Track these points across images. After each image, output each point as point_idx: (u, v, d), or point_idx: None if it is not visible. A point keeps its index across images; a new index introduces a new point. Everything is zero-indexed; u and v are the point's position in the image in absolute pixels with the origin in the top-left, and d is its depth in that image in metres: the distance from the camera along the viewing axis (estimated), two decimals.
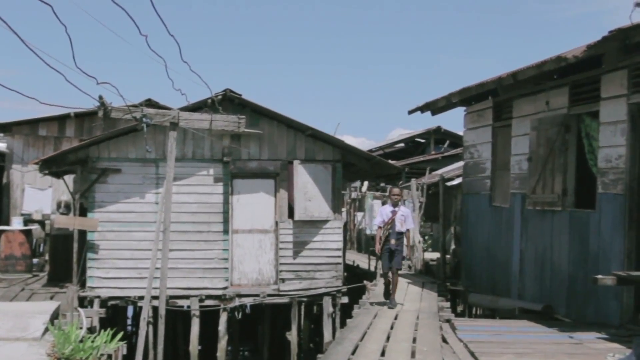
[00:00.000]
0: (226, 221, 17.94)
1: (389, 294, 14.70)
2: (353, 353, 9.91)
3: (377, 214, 15.60)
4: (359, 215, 32.77)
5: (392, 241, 14.32)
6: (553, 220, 13.65)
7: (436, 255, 23.26)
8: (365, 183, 32.63)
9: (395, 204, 14.52)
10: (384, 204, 24.58)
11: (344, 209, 27.10)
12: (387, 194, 17.62)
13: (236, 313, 18.89)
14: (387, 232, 14.35)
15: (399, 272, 14.98)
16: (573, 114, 13.13)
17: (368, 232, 29.67)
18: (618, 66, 11.61)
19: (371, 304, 14.79)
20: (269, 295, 17.99)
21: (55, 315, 12.95)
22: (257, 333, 20.95)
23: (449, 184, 22.46)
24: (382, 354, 9.85)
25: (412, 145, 40.09)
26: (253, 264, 18.18)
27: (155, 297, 13.85)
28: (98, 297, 17.24)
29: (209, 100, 16.27)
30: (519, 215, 14.95)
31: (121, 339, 10.59)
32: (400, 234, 14.48)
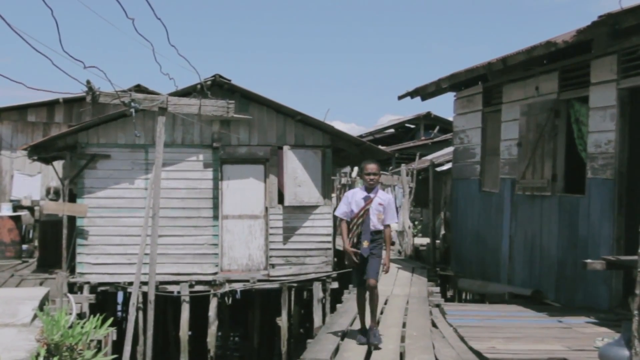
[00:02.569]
0: (216, 207, 17.91)
1: (365, 326, 9.72)
2: (343, 339, 9.92)
3: (342, 199, 9.86)
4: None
5: (365, 243, 9.28)
6: (542, 206, 13.67)
7: (426, 240, 23.30)
8: (355, 169, 32.58)
9: (370, 188, 9.45)
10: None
11: (334, 195, 27.11)
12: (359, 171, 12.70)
13: (226, 298, 18.84)
14: (357, 230, 9.35)
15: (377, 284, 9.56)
16: (563, 99, 13.13)
17: None
18: (607, 51, 11.62)
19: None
20: (259, 280, 17.98)
21: (44, 301, 12.91)
22: (247, 318, 20.94)
23: (438, 169, 22.49)
24: None
25: (402, 131, 40.09)
26: (243, 250, 18.17)
27: (144, 283, 13.85)
28: (87, 283, 17.21)
29: (198, 86, 16.20)
30: (509, 201, 14.97)
31: (111, 325, 10.56)
32: (378, 232, 9.45)
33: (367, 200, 9.37)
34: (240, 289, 19.07)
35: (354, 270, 9.62)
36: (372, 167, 9.48)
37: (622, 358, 6.66)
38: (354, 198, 9.49)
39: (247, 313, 20.79)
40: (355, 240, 9.43)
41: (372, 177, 9.46)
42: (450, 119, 22.10)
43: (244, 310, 21.89)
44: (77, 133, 17.68)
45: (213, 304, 17.80)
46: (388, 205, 9.55)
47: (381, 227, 9.49)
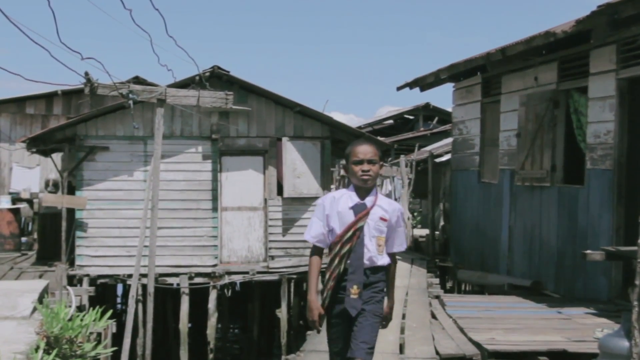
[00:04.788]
0: (215, 199, 17.89)
1: None
2: None
3: (315, 213, 5.89)
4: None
5: (354, 290, 5.55)
6: (542, 196, 13.66)
7: (425, 231, 23.32)
8: None
9: (363, 190, 5.70)
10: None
11: (333, 186, 27.09)
12: (344, 163, 6.40)
13: (226, 290, 18.83)
14: (340, 266, 5.60)
15: None
16: (562, 89, 13.12)
17: None
18: (607, 41, 11.60)
19: None
20: (259, 272, 17.97)
21: (44, 294, 12.90)
22: (246, 310, 20.93)
23: (437, 160, 22.48)
24: None
25: (400, 122, 40.03)
26: (242, 242, 18.16)
27: (144, 275, 13.85)
28: (87, 275, 17.19)
29: (197, 77, 16.18)
30: (508, 191, 14.97)
31: (110, 317, 10.53)
32: (377, 270, 5.68)
33: (360, 213, 5.54)
34: (240, 281, 19.07)
35: (330, 332, 5.76)
36: (365, 149, 5.59)
37: (621, 349, 6.66)
38: (336, 208, 5.63)
39: (247, 305, 20.79)
40: (332, 284, 5.57)
41: (366, 168, 5.57)
42: (449, 109, 22.11)
43: (244, 302, 21.89)
44: (76, 125, 17.64)
45: (212, 296, 17.79)
46: (397, 221, 5.72)
47: (383, 261, 5.61)
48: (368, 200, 5.64)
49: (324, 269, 5.68)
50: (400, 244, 5.83)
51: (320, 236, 5.69)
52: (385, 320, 5.79)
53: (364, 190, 5.67)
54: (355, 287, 5.51)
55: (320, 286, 5.71)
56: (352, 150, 5.69)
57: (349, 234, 5.55)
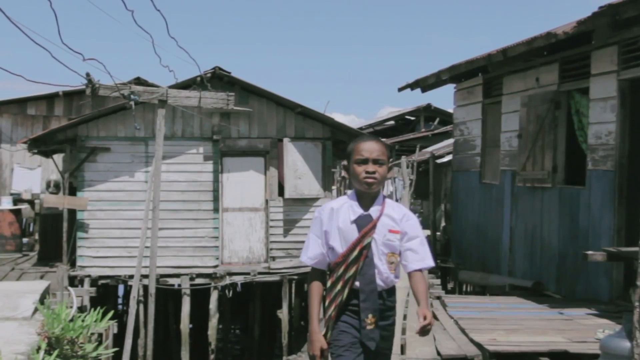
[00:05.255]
0: (216, 199, 17.89)
1: None
2: None
3: (311, 228, 4.93)
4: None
5: (369, 320, 4.65)
6: (543, 197, 13.66)
7: (426, 232, 23.29)
8: None
9: (367, 196, 4.79)
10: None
11: (334, 187, 27.09)
12: (344, 164, 5.14)
13: (227, 291, 18.86)
14: (344, 291, 4.69)
15: None
16: (563, 90, 13.11)
17: None
18: (608, 42, 11.59)
19: None
20: (260, 273, 17.97)
21: (45, 295, 12.90)
22: (248, 311, 20.93)
23: (439, 161, 22.47)
24: None
25: (402, 123, 40.02)
26: (243, 242, 18.16)
27: (145, 276, 13.85)
28: (88, 276, 17.20)
29: (198, 78, 16.19)
30: (509, 192, 14.96)
31: (112, 318, 10.55)
32: (393, 292, 4.85)
33: (365, 227, 4.67)
34: (241, 282, 19.05)
35: None
36: (370, 147, 4.73)
37: (623, 349, 6.66)
38: (335, 222, 4.75)
39: (248, 306, 20.78)
40: (333, 313, 4.72)
41: (371, 169, 4.67)
42: (451, 110, 22.09)
43: (245, 303, 21.87)
44: (77, 126, 17.65)
45: (214, 296, 17.79)
46: (410, 230, 4.78)
47: (397, 281, 4.80)
48: (373, 210, 4.71)
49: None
50: (421, 259, 4.75)
51: (319, 256, 4.81)
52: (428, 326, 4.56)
53: (368, 198, 4.73)
54: (370, 316, 4.64)
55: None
56: (355, 148, 4.76)
57: (355, 253, 4.63)
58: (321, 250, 4.78)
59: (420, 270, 4.76)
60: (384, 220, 4.71)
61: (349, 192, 5.28)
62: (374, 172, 4.66)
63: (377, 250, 4.68)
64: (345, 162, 4.95)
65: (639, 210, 10.79)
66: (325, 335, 4.74)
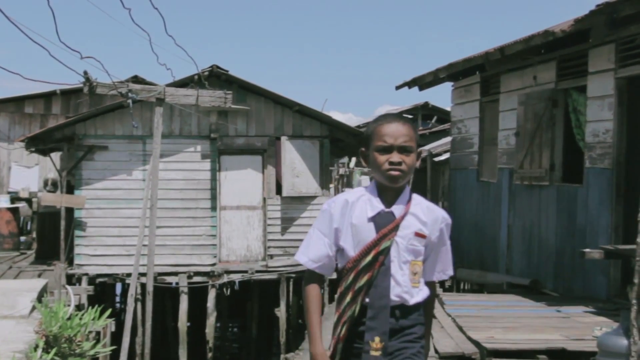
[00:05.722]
0: (214, 198, 17.89)
1: None
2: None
3: (315, 224, 3.89)
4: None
5: (376, 345, 3.65)
6: (540, 195, 13.67)
7: None
8: (353, 159, 32.64)
9: (391, 191, 3.81)
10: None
11: (332, 185, 27.12)
12: (362, 150, 3.91)
13: (225, 289, 18.91)
14: (354, 306, 3.71)
15: None
16: (560, 88, 13.12)
17: None
18: (605, 40, 11.60)
19: None
20: (258, 271, 17.98)
21: (43, 293, 12.90)
22: (245, 309, 20.95)
23: (436, 159, 22.47)
24: None
25: None
26: (241, 241, 18.16)
27: (143, 274, 13.86)
28: (86, 274, 17.20)
29: (196, 76, 16.20)
30: (507, 191, 14.97)
31: (109, 316, 10.55)
32: (411, 310, 3.77)
33: (385, 227, 3.77)
34: (239, 280, 19.09)
35: None
36: (396, 130, 3.74)
37: (620, 347, 6.67)
38: (349, 218, 3.83)
39: (246, 304, 20.79)
40: (344, 332, 3.77)
41: (396, 159, 3.73)
42: (448, 109, 22.09)
43: (243, 301, 21.89)
44: (75, 124, 17.64)
45: (211, 295, 17.80)
46: (440, 237, 3.95)
47: (420, 297, 3.83)
48: (397, 208, 3.78)
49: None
50: (443, 269, 4.00)
51: (324, 259, 3.80)
52: None
53: (391, 192, 3.80)
54: (377, 339, 3.64)
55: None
56: (375, 131, 3.75)
57: (368, 259, 3.69)
58: (327, 251, 3.78)
59: (434, 282, 4.01)
60: (410, 221, 3.77)
61: (368, 183, 4.34)
62: (399, 163, 3.68)
63: (397, 256, 3.72)
64: (362, 149, 3.88)
65: (637, 208, 10.75)
66: (333, 358, 3.77)
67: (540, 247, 13.73)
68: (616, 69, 11.40)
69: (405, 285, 3.72)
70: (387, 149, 3.68)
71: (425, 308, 3.88)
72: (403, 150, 3.69)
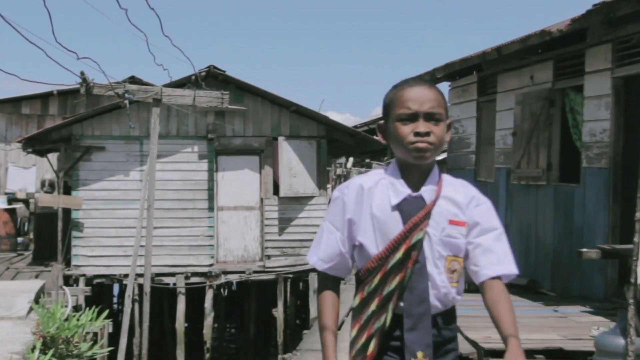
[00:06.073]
0: (211, 198, 17.89)
1: None
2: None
3: (327, 215, 3.27)
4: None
5: (419, 358, 2.94)
6: (538, 195, 13.68)
7: None
8: (351, 159, 32.61)
9: (417, 170, 3.10)
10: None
11: (329, 185, 27.12)
12: (380, 124, 3.22)
13: (222, 290, 18.90)
14: (381, 311, 3.03)
15: None
16: (557, 88, 13.12)
17: None
18: (602, 40, 11.60)
19: None
20: (255, 272, 17.98)
21: (40, 294, 12.91)
22: (243, 310, 20.95)
23: None
24: None
25: None
26: (238, 241, 18.16)
27: (140, 275, 13.85)
28: (83, 275, 17.19)
29: (193, 77, 16.20)
30: (504, 190, 14.97)
31: (107, 317, 10.56)
32: (452, 315, 3.20)
33: (415, 216, 3.04)
34: (236, 281, 19.07)
35: None
36: (421, 95, 3.02)
37: (617, 346, 6.67)
38: (367, 208, 3.09)
39: (243, 304, 20.80)
40: (372, 349, 3.06)
41: (423, 129, 3.00)
42: None
43: (240, 302, 21.89)
44: (72, 125, 17.64)
45: (209, 295, 17.80)
46: (482, 219, 3.17)
47: (459, 299, 3.22)
48: (426, 191, 3.07)
49: None
50: (499, 261, 3.11)
51: (337, 258, 3.15)
52: None
53: (417, 172, 3.09)
54: (420, 354, 2.96)
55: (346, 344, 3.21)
56: (396, 97, 3.05)
57: (398, 256, 2.99)
58: (340, 248, 3.12)
59: (499, 278, 3.09)
60: (443, 206, 3.04)
61: (389, 164, 3.51)
62: (427, 134, 2.96)
63: (431, 251, 3.01)
64: (381, 122, 3.20)
65: (634, 207, 10.76)
66: None
67: (537, 247, 13.74)
68: (613, 68, 11.40)
69: (444, 286, 3.04)
70: (412, 117, 2.96)
71: (498, 303, 3.02)
72: (430, 117, 2.97)
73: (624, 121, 11.55)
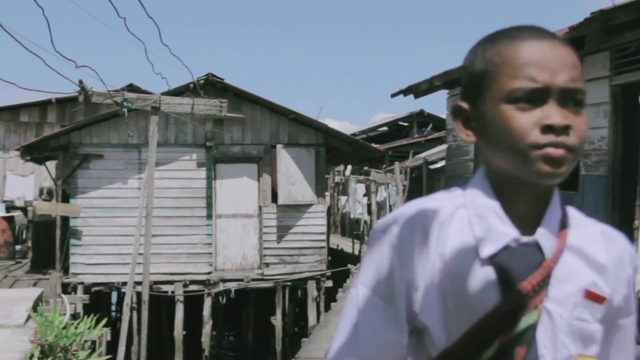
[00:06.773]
0: (209, 206, 17.89)
1: None
2: None
3: (361, 273, 1.53)
4: (343, 199, 32.85)
5: None
6: None
7: None
8: (349, 167, 32.62)
9: (535, 198, 1.52)
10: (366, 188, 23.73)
11: (327, 193, 27.12)
12: (457, 105, 1.57)
13: (220, 298, 18.86)
14: None
15: None
16: None
17: (352, 216, 29.73)
18: (600, 48, 11.61)
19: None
20: (253, 279, 17.97)
21: (38, 302, 12.89)
22: (241, 318, 20.94)
23: (432, 167, 22.51)
24: None
25: (395, 129, 40.06)
26: (237, 249, 18.15)
27: (138, 283, 13.82)
28: (81, 283, 17.17)
29: (191, 85, 16.21)
30: None
31: (105, 325, 10.56)
32: None
33: (530, 277, 1.46)
34: (235, 288, 19.06)
35: None
36: (553, 54, 1.54)
37: None
38: (437, 259, 1.48)
39: (242, 312, 20.79)
40: None
41: (561, 120, 1.53)
42: (444, 116, 22.15)
43: (239, 310, 21.88)
44: (70, 133, 17.64)
45: (207, 303, 17.78)
46: (627, 300, 1.62)
47: None
48: (545, 235, 1.56)
49: None
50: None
51: (389, 352, 1.53)
52: None
53: (530, 199, 1.57)
54: None
55: None
56: (503, 56, 1.55)
57: (490, 352, 1.46)
58: (390, 336, 1.53)
59: None
60: (573, 264, 1.60)
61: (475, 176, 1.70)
62: (565, 130, 1.57)
63: (553, 346, 1.51)
64: (460, 103, 1.64)
65: (632, 215, 10.80)
66: None
67: None
68: (611, 76, 11.41)
69: None
70: (537, 97, 1.54)
71: None
72: (569, 98, 1.63)
73: (622, 129, 11.56)
